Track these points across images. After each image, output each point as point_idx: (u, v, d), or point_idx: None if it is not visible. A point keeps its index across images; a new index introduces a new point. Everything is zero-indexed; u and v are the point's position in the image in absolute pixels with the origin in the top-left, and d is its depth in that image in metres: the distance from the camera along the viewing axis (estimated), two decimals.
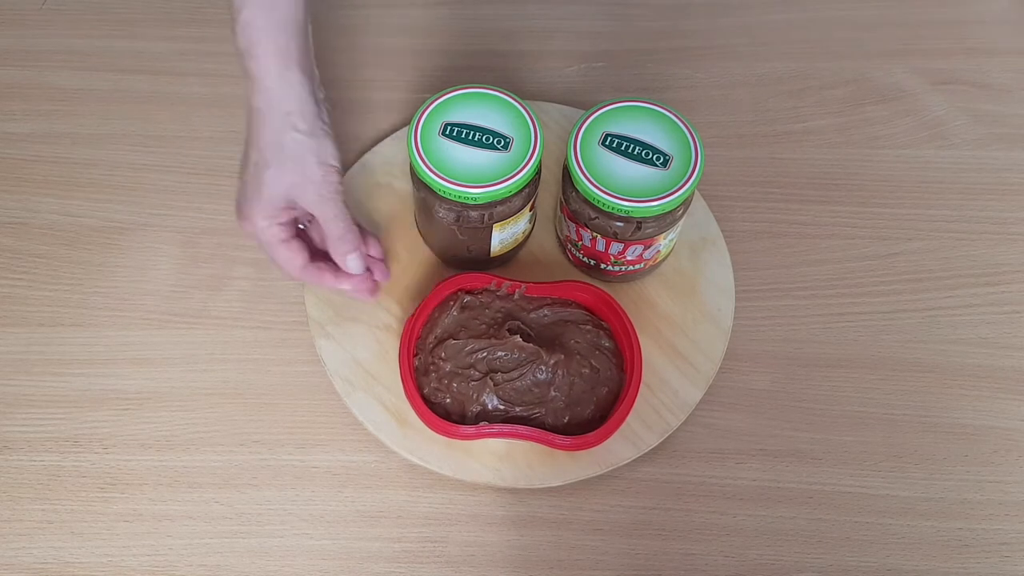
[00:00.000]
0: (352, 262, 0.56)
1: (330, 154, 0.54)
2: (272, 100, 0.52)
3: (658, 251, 0.60)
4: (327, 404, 0.60)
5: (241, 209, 0.55)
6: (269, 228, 0.54)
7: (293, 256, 0.55)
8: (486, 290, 0.60)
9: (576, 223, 0.59)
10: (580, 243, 0.61)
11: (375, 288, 0.58)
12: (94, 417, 0.60)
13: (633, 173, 0.55)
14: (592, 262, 0.62)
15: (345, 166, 0.69)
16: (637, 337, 0.58)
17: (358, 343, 0.61)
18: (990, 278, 0.67)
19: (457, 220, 0.58)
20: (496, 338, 0.58)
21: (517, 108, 0.58)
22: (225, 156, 0.70)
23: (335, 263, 0.57)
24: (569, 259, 0.64)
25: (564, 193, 0.59)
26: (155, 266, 0.65)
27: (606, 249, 0.59)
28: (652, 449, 0.59)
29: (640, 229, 0.57)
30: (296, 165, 0.53)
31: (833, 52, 0.77)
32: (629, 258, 0.60)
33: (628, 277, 0.63)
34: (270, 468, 0.58)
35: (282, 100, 0.52)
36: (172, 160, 0.70)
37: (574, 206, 0.58)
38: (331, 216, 0.54)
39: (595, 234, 0.58)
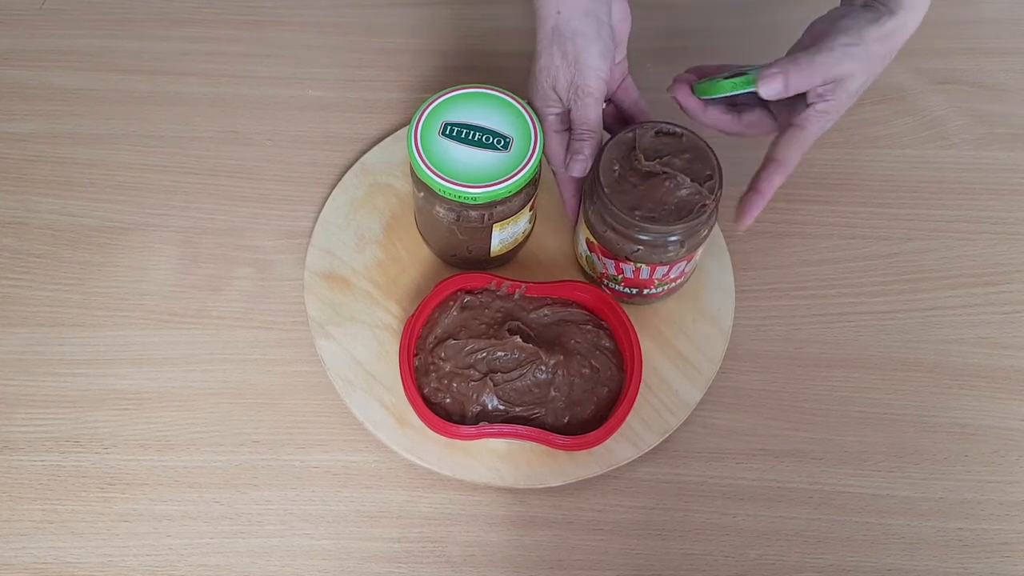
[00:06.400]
0: (575, 165, 0.57)
1: (595, 54, 0.55)
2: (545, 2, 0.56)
3: (695, 260, 0.60)
4: (327, 404, 0.60)
5: (527, 93, 0.59)
6: (544, 114, 0.58)
7: (558, 149, 0.59)
8: (486, 290, 0.60)
9: (615, 259, 0.58)
10: (621, 276, 0.59)
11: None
12: (94, 417, 0.60)
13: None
14: (634, 291, 0.61)
15: (345, 166, 0.69)
16: (637, 337, 0.58)
17: (358, 343, 0.61)
18: (990, 278, 0.67)
19: (457, 220, 0.58)
20: (496, 338, 0.58)
21: (517, 108, 0.58)
22: (225, 156, 0.70)
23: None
24: (608, 293, 0.61)
25: (594, 232, 0.58)
26: (155, 266, 0.65)
27: (651, 275, 0.59)
28: (652, 449, 0.59)
29: (683, 246, 0.56)
30: (561, 59, 0.55)
31: None
32: (672, 276, 0.59)
33: (669, 293, 0.62)
34: (270, 468, 0.58)
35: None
36: (172, 160, 0.70)
37: (613, 245, 0.57)
38: (576, 115, 0.57)
39: (639, 264, 0.57)
